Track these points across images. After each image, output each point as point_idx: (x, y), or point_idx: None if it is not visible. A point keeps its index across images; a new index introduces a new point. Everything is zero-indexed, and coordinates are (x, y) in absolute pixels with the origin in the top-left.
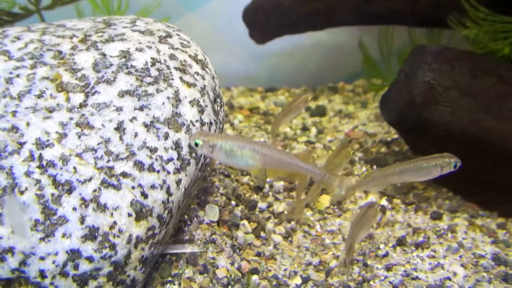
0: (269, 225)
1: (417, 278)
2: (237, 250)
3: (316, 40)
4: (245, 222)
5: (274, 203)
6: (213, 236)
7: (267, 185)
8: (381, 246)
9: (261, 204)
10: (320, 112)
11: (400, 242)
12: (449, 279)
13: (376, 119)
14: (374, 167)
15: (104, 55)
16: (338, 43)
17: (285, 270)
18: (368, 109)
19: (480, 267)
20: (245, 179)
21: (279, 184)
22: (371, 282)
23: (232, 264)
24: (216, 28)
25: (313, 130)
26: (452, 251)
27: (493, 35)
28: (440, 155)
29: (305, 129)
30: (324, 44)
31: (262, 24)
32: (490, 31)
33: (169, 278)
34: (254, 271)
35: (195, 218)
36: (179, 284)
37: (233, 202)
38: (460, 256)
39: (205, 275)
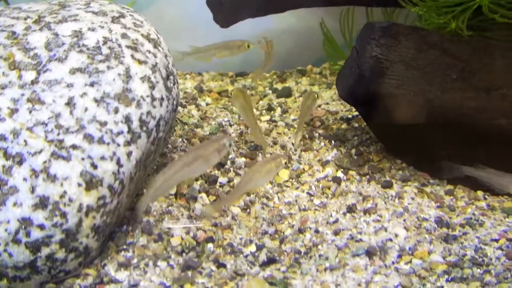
0: None
1: (360, 240)
2: (194, 221)
3: (286, 26)
4: (203, 195)
5: (235, 178)
6: (170, 207)
7: (229, 162)
8: (333, 213)
9: (222, 179)
10: (286, 93)
11: (350, 209)
12: (391, 240)
13: (339, 99)
14: (333, 141)
15: (56, 34)
16: (308, 28)
17: (241, 238)
18: (332, 90)
19: (423, 229)
20: None
21: (241, 160)
22: (319, 246)
23: (188, 233)
24: (187, 15)
25: (278, 110)
26: (396, 215)
27: (437, 11)
28: None
29: (270, 109)
30: (294, 30)
31: (225, 8)
32: (434, 6)
33: (124, 247)
34: (210, 239)
35: None
36: (133, 251)
37: None
38: (404, 220)
39: (160, 243)
